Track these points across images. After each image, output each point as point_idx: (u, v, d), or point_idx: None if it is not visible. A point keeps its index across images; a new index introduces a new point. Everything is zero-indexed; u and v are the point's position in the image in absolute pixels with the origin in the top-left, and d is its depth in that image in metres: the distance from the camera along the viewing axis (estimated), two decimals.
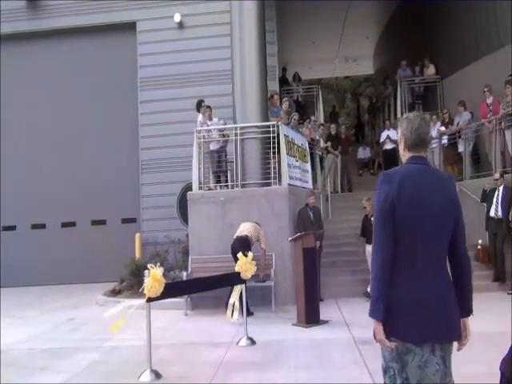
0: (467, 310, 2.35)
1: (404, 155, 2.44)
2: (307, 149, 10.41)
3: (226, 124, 9.75)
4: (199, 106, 9.69)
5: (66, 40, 12.81)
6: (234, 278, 6.12)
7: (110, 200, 12.29)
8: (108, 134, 12.52)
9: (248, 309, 6.58)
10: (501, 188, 8.60)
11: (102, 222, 12.44)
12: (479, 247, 9.10)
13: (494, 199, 8.62)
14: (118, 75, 12.70)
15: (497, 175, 8.78)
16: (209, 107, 9.77)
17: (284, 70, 16.12)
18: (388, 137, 13.72)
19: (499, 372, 2.71)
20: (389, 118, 15.23)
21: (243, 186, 8.84)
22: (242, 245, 7.27)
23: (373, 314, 2.27)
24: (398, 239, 2.25)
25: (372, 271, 2.29)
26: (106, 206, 12.32)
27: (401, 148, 2.47)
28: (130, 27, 12.54)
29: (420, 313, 2.21)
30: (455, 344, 2.34)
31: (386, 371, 2.33)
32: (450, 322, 2.29)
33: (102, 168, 12.40)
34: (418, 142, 2.40)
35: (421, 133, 2.40)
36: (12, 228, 12.72)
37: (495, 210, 8.57)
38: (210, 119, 9.77)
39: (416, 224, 2.25)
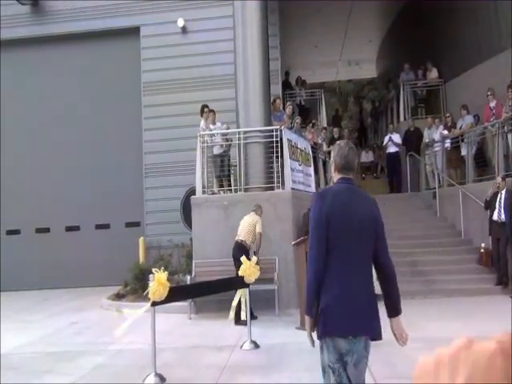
0: (396, 310, 2.74)
1: (334, 176, 2.88)
2: (310, 153, 10.44)
3: (228, 128, 9.80)
4: (202, 110, 9.75)
5: (69, 45, 12.90)
6: (237, 282, 6.15)
7: (113, 204, 12.35)
8: (111, 139, 12.59)
9: (252, 312, 6.61)
10: (503, 192, 8.61)
11: (106, 226, 12.50)
12: (482, 250, 9.11)
13: (497, 203, 8.63)
14: (121, 80, 12.77)
15: (499, 179, 8.79)
16: (212, 111, 9.82)
17: (287, 73, 16.17)
18: (391, 140, 13.74)
19: None
20: (392, 121, 15.24)
21: (246, 190, 8.88)
22: (240, 250, 7.34)
23: (307, 312, 2.68)
24: (332, 248, 2.63)
25: (307, 277, 2.68)
26: (110, 210, 12.37)
27: (332, 170, 2.90)
28: (133, 32, 12.61)
29: (353, 311, 2.60)
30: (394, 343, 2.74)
31: (332, 371, 2.64)
32: (374, 321, 2.64)
33: (105, 172, 12.46)
34: (347, 166, 2.81)
35: (348, 160, 2.81)
36: (16, 232, 12.78)
37: (498, 214, 8.57)
38: (214, 123, 9.82)
39: (346, 234, 2.64)
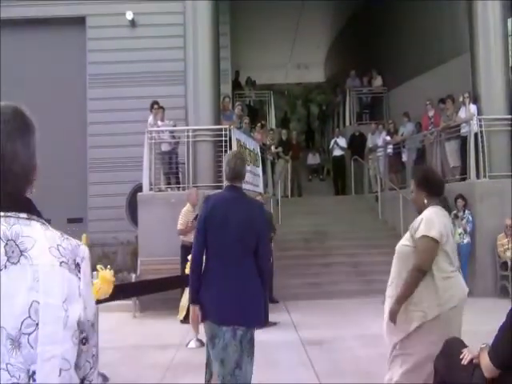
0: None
1: (225, 183, 3.28)
2: (259, 153, 10.54)
3: (175, 125, 9.70)
4: (152, 106, 9.60)
5: (10, 32, 12.28)
6: (184, 281, 6.11)
7: (55, 198, 11.84)
8: (55, 130, 12.08)
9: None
10: None
11: (47, 221, 12.01)
12: None
13: None
14: (66, 70, 12.31)
15: None
16: (161, 108, 9.69)
17: (237, 73, 16.23)
18: (336, 143, 14.11)
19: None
20: (338, 125, 15.67)
21: (194, 188, 8.82)
22: (181, 248, 7.35)
23: (192, 302, 3.11)
24: (210, 245, 3.04)
25: (190, 268, 3.18)
26: (51, 205, 11.83)
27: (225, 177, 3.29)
28: (79, 22, 12.20)
29: (221, 304, 2.97)
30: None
31: (208, 348, 3.13)
32: (248, 311, 3.00)
33: (46, 164, 11.92)
34: (233, 175, 3.13)
35: (235, 169, 3.12)
36: None
37: None
38: (162, 120, 9.69)
39: (222, 236, 3.01)
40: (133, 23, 12.16)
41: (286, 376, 4.84)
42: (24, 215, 1.14)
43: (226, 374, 2.98)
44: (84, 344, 1.12)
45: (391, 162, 12.12)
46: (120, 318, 7.50)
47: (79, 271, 1.13)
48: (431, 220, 2.99)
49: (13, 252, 1.06)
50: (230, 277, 2.98)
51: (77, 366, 1.11)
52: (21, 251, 1.08)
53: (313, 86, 27.73)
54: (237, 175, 3.15)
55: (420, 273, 2.93)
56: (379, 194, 11.88)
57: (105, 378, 4.68)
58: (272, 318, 7.05)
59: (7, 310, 1.01)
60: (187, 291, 6.11)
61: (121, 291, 5.36)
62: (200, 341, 5.89)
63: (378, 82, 14.94)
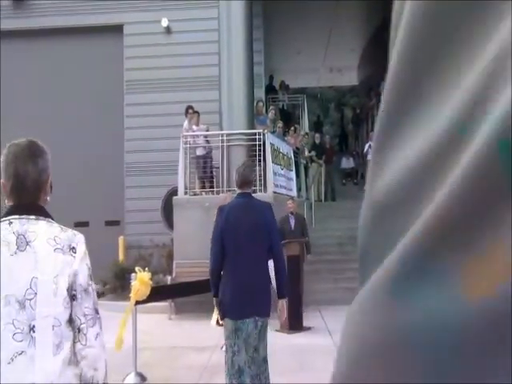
0: (281, 294, 3.54)
1: (236, 191, 3.66)
2: (292, 157, 10.55)
3: (208, 130, 9.82)
4: (187, 111, 9.76)
5: (51, 40, 12.73)
6: None
7: (93, 202, 12.21)
8: (92, 136, 12.47)
9: None
10: None
11: (85, 224, 12.32)
12: None
13: None
14: (103, 77, 12.67)
15: None
16: (196, 113, 9.84)
17: (271, 77, 16.29)
18: (371, 147, 13.87)
19: None
20: (372, 129, 15.47)
21: (229, 192, 8.91)
22: None
23: (214, 295, 3.52)
24: (228, 250, 3.38)
25: (210, 277, 3.55)
26: (89, 208, 12.23)
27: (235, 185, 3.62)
28: (116, 30, 12.54)
29: (245, 300, 3.33)
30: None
31: (228, 345, 3.42)
32: (263, 304, 3.40)
33: (85, 169, 12.32)
34: (242, 182, 3.49)
35: (244, 177, 3.49)
36: None
37: None
38: (197, 125, 9.83)
39: (238, 240, 3.38)
40: (168, 30, 12.42)
41: (320, 379, 4.82)
42: (33, 217, 1.59)
43: (249, 357, 3.41)
44: (74, 300, 1.55)
45: None
46: (156, 320, 7.64)
47: (74, 252, 1.59)
48: None
49: (21, 243, 1.53)
50: (248, 277, 3.35)
51: (70, 319, 1.54)
52: (27, 242, 1.53)
53: (346, 89, 27.53)
54: (244, 181, 3.48)
55: None
56: None
57: (142, 377, 4.79)
58: (306, 322, 7.04)
59: (16, 283, 1.48)
60: None
61: (157, 293, 5.47)
62: None
63: None
